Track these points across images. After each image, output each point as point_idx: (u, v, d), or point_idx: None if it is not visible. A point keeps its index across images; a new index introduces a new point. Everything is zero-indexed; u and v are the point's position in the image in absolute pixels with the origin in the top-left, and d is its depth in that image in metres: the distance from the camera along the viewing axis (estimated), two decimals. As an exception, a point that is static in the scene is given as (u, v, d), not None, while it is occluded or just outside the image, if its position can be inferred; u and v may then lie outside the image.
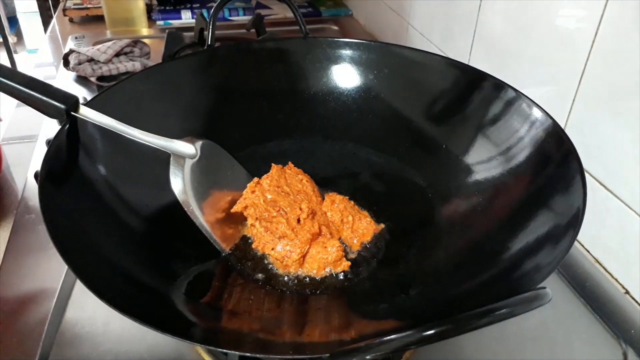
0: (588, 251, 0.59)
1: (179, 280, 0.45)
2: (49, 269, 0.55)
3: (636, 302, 0.53)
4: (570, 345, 0.50)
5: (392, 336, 0.28)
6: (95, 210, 0.44)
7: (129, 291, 0.39)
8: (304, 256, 0.50)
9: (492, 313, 0.29)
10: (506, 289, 0.37)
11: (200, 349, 0.46)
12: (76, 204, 0.42)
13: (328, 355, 0.30)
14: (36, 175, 0.42)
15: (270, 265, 0.50)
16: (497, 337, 0.50)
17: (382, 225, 0.55)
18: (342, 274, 0.49)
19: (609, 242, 0.57)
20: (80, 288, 0.52)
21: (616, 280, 0.56)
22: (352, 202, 0.56)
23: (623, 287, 0.55)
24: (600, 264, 0.58)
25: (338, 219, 0.54)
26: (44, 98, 0.43)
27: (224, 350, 0.32)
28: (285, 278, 0.49)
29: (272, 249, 0.50)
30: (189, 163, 0.50)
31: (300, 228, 0.50)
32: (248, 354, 0.34)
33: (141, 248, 0.46)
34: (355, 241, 0.53)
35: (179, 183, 0.49)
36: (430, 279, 0.46)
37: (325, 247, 0.50)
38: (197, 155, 0.50)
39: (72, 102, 0.43)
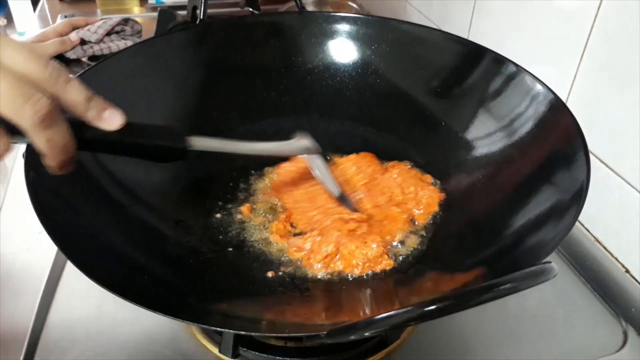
0: (588, 230, 0.59)
1: (172, 260, 0.44)
2: (39, 251, 0.54)
3: (636, 280, 0.53)
4: (571, 323, 0.50)
5: (392, 312, 0.27)
6: (85, 188, 0.43)
7: (122, 271, 0.38)
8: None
9: (495, 288, 0.28)
10: (509, 265, 0.36)
11: (195, 329, 0.46)
12: (65, 182, 0.41)
13: (325, 332, 0.29)
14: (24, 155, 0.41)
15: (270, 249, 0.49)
16: (498, 316, 0.49)
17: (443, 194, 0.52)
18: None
19: (609, 221, 0.56)
20: (71, 270, 0.51)
21: (616, 259, 0.55)
22: (415, 170, 0.54)
23: (623, 266, 0.54)
24: (600, 243, 0.57)
25: (399, 192, 0.52)
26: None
27: (218, 329, 0.31)
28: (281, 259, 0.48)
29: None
30: (318, 157, 0.51)
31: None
32: (243, 333, 0.33)
33: (134, 227, 0.44)
34: (421, 212, 0.50)
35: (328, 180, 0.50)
36: (431, 257, 0.46)
37: (365, 241, 0.46)
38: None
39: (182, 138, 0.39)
